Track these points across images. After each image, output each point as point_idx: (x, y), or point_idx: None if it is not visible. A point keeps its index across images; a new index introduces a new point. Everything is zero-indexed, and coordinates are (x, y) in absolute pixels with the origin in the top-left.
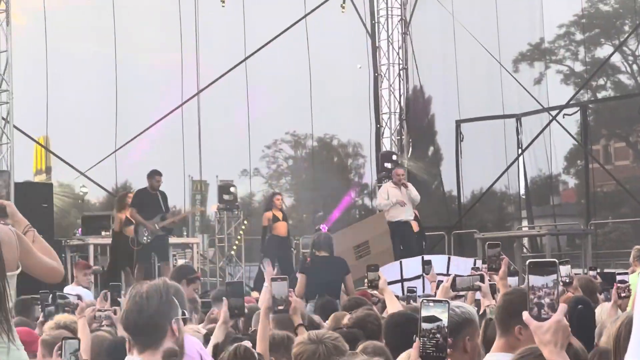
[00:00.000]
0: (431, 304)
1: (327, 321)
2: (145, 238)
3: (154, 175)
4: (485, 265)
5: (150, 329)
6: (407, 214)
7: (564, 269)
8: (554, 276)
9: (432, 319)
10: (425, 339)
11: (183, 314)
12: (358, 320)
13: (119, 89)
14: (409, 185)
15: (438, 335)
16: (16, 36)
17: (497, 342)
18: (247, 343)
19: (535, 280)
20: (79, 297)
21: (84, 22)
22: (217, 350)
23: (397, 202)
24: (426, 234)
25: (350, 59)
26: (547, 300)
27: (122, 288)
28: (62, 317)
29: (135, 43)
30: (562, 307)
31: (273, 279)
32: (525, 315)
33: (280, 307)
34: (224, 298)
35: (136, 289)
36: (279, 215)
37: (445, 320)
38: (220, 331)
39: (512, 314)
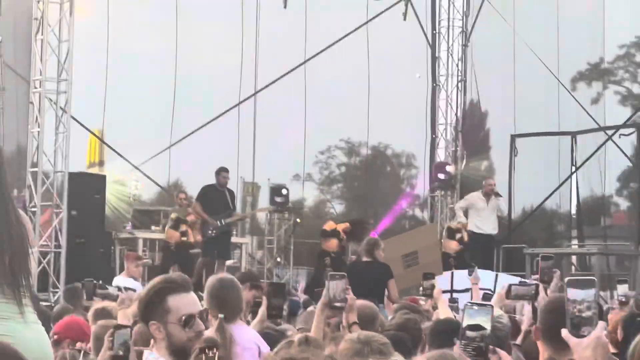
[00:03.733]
0: (475, 307)
1: None
2: (210, 232)
3: (221, 172)
4: (537, 277)
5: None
6: (490, 226)
7: (621, 288)
8: (593, 291)
9: (476, 327)
10: (467, 342)
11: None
12: (398, 326)
13: (178, 86)
14: (501, 197)
15: (481, 343)
16: (78, 27)
17: (541, 355)
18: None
19: (574, 294)
20: (120, 289)
21: (146, 17)
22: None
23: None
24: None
25: (409, 68)
26: (586, 315)
27: None
28: (107, 304)
29: (196, 41)
30: (602, 324)
31: (331, 276)
32: (565, 332)
33: (337, 305)
34: (263, 297)
35: None
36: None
37: (489, 328)
38: (257, 328)
39: (555, 328)
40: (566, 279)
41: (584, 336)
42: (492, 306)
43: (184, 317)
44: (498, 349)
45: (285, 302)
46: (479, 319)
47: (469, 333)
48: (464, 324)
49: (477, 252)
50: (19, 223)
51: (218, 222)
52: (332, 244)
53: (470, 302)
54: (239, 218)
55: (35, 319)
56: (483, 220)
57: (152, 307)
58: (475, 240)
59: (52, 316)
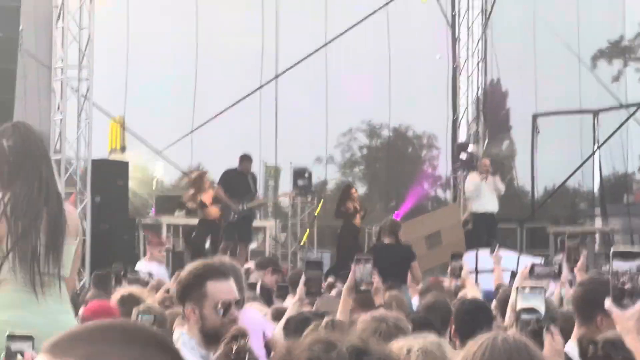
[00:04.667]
0: (527, 290)
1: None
2: (232, 216)
3: (244, 159)
4: (560, 257)
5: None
6: (491, 205)
7: None
8: (637, 263)
9: (531, 310)
10: (522, 326)
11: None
12: (428, 307)
13: (199, 71)
14: (496, 176)
15: (536, 325)
16: (99, 14)
17: (576, 331)
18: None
19: (619, 265)
20: (151, 275)
21: (166, 2)
22: (288, 324)
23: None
24: (499, 226)
25: (429, 49)
26: (629, 286)
27: None
28: (133, 289)
29: (216, 25)
30: None
31: (357, 260)
32: (608, 303)
33: (363, 288)
34: (302, 275)
35: None
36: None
37: (542, 310)
38: (295, 308)
39: (593, 303)
40: (611, 251)
41: (626, 307)
42: (543, 288)
43: (220, 304)
44: (552, 327)
45: (322, 279)
46: (533, 302)
47: (524, 316)
48: (518, 307)
49: (482, 233)
50: (57, 215)
51: (240, 207)
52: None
53: (522, 286)
54: (261, 203)
55: (59, 305)
56: (483, 199)
57: (190, 290)
58: (478, 222)
59: (82, 302)
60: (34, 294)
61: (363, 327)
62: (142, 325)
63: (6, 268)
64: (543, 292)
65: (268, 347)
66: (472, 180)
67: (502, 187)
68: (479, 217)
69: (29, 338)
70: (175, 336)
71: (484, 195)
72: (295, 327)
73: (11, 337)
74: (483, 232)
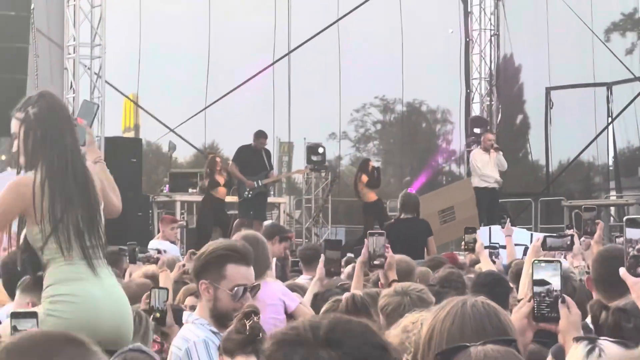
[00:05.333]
0: (542, 264)
1: None
2: (246, 193)
3: (259, 137)
4: (574, 230)
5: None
6: (494, 180)
7: None
8: None
9: (541, 282)
10: (539, 300)
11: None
12: (442, 279)
13: (212, 48)
14: (500, 151)
15: (549, 298)
16: None
17: (595, 297)
18: (358, 292)
19: (632, 233)
20: (159, 252)
21: None
22: (316, 299)
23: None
24: (513, 200)
25: (441, 24)
26: None
27: None
28: (150, 268)
29: (229, 2)
30: None
31: (370, 233)
32: (622, 271)
33: (376, 263)
34: (318, 252)
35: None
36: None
37: (556, 283)
38: (316, 287)
39: (612, 273)
40: (624, 219)
41: None
42: (559, 262)
43: (236, 288)
44: (567, 297)
45: (342, 258)
46: (543, 274)
47: (536, 288)
48: (533, 279)
49: (482, 208)
50: (86, 186)
51: (255, 183)
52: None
53: (538, 259)
54: (275, 179)
55: (110, 279)
56: (486, 174)
57: (209, 268)
58: (479, 196)
59: None
60: (89, 267)
61: (385, 302)
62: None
63: (53, 248)
64: (559, 265)
65: (292, 318)
66: (475, 155)
67: (505, 163)
68: (480, 191)
69: (32, 314)
70: (184, 318)
71: (486, 170)
72: (324, 304)
73: (15, 315)
74: (483, 207)
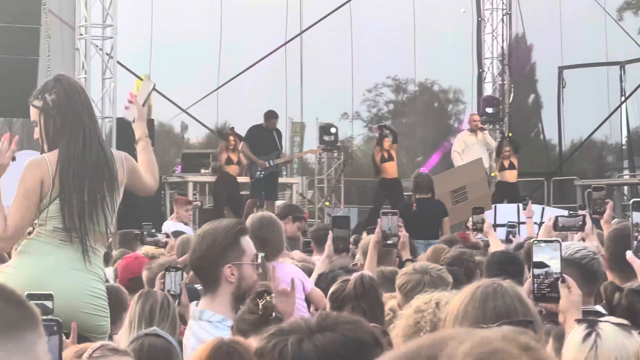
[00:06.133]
0: (542, 244)
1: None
2: (258, 173)
3: (270, 117)
4: (586, 210)
5: (200, 271)
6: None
7: None
8: None
9: (540, 264)
10: (538, 280)
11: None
12: (453, 259)
13: (224, 28)
14: (486, 131)
15: (546, 279)
16: None
17: (609, 277)
18: (367, 272)
19: (639, 217)
20: (168, 236)
21: None
22: (320, 279)
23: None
24: (526, 179)
25: (454, 3)
26: None
27: None
28: (148, 249)
29: None
30: None
31: (384, 213)
32: (629, 254)
33: (389, 242)
34: (329, 231)
35: (204, 227)
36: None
37: (552, 265)
38: (324, 264)
39: (622, 252)
40: (631, 201)
41: None
42: (559, 241)
43: (255, 256)
44: (567, 277)
45: (351, 235)
46: (542, 256)
47: (536, 271)
48: (533, 261)
49: None
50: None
51: (267, 163)
52: None
53: (537, 240)
54: (287, 160)
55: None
56: (471, 155)
57: (230, 250)
58: None
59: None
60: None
61: (404, 280)
62: None
63: (50, 226)
64: (558, 245)
65: (309, 301)
66: (461, 137)
67: (492, 142)
68: None
69: (48, 296)
70: (194, 313)
71: (472, 151)
72: (326, 285)
73: (30, 296)
74: None
